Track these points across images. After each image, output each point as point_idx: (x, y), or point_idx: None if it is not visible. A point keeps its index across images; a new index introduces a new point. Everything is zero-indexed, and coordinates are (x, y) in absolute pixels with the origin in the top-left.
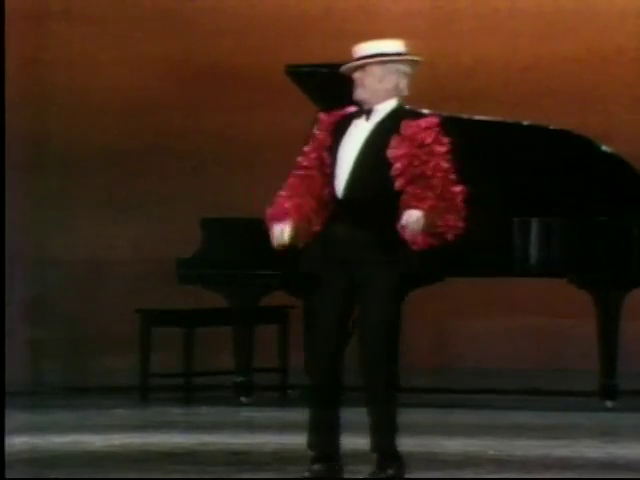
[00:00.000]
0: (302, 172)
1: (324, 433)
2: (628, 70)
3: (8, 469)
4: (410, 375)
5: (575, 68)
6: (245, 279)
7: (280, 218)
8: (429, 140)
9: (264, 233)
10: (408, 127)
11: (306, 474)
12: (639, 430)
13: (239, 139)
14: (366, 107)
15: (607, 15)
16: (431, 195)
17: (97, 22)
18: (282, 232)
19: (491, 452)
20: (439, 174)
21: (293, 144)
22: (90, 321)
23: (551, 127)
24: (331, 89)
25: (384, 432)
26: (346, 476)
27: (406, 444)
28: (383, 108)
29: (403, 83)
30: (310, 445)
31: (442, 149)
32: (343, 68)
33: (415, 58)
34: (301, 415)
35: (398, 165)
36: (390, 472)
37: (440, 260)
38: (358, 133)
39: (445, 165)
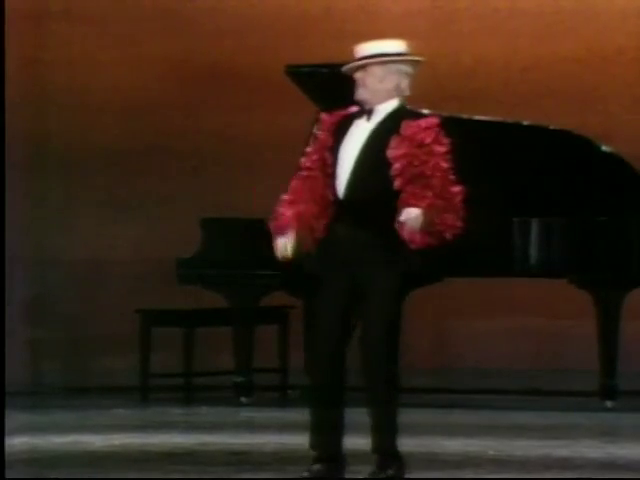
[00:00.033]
0: (304, 174)
1: (326, 433)
2: (628, 70)
3: (8, 469)
4: (410, 375)
5: (575, 68)
6: (245, 279)
7: (283, 231)
8: (428, 140)
9: (264, 233)
10: (408, 127)
11: (305, 474)
12: (639, 430)
13: (239, 139)
14: (367, 107)
15: (607, 15)
16: (430, 194)
17: (97, 22)
18: (285, 246)
19: (491, 452)
20: (438, 174)
21: (293, 144)
22: (90, 321)
23: (551, 127)
24: (331, 89)
25: (385, 432)
26: (346, 476)
27: (406, 444)
28: (384, 108)
29: (404, 83)
30: (312, 445)
31: (442, 149)
32: (345, 68)
33: (416, 58)
34: (301, 415)
35: (397, 165)
36: (390, 472)
37: (440, 260)
38: (359, 133)
39: (444, 165)
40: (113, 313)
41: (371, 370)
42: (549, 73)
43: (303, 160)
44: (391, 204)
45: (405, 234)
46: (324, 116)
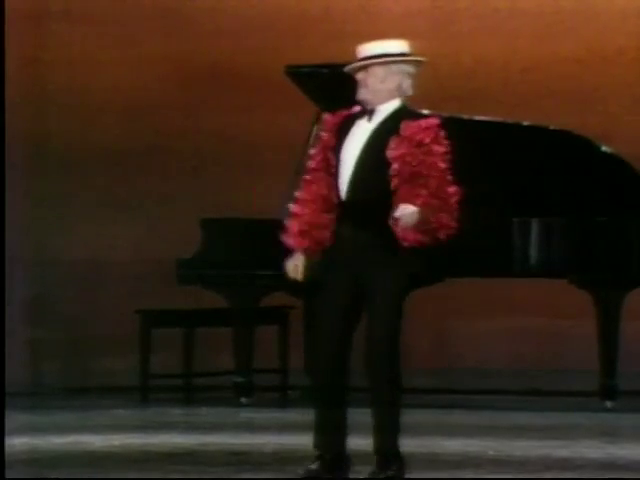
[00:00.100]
0: (310, 176)
1: (329, 433)
2: (628, 70)
3: (8, 469)
4: (410, 375)
5: (575, 68)
6: (245, 280)
7: (292, 250)
8: (427, 140)
9: (264, 233)
10: (408, 127)
11: (299, 472)
12: (639, 430)
13: (239, 139)
14: (369, 107)
15: (607, 15)
16: (424, 193)
17: (97, 22)
18: (296, 269)
19: (491, 452)
20: (435, 173)
21: (293, 144)
22: (90, 321)
23: (551, 127)
24: (331, 89)
25: (387, 432)
26: (349, 476)
27: (407, 444)
28: (385, 108)
29: (406, 83)
30: (316, 445)
31: (440, 149)
32: (347, 68)
33: (418, 58)
34: (301, 415)
35: (395, 166)
36: (390, 472)
37: (441, 260)
38: (360, 134)
39: (442, 165)
40: (113, 313)
41: (375, 370)
42: (549, 73)
43: (309, 162)
44: (391, 204)
45: (398, 231)
46: (327, 116)
